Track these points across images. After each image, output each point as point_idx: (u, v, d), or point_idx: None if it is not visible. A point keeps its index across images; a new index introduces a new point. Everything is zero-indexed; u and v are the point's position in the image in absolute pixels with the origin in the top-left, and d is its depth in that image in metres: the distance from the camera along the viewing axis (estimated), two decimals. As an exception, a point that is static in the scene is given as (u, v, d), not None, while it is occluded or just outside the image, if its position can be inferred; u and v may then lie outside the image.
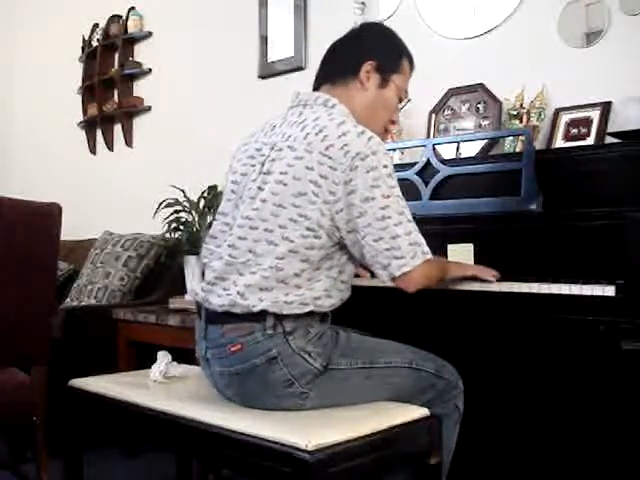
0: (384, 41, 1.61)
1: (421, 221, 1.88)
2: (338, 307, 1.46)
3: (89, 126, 4.15)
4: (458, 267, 1.65)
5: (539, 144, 2.21)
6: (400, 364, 1.48)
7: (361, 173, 1.36)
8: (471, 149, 2.36)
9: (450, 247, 1.79)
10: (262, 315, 1.36)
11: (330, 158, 1.37)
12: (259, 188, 1.43)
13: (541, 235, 1.66)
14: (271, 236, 1.39)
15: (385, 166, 1.39)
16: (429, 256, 1.41)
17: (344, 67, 1.56)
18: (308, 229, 1.37)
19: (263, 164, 1.46)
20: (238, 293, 1.38)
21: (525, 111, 2.23)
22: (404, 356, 1.49)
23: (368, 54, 1.56)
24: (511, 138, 2.24)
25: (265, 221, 1.40)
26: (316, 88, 1.59)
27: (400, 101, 1.64)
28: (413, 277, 1.40)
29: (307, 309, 1.37)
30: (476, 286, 1.62)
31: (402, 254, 1.37)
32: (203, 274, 1.55)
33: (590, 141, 2.09)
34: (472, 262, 1.76)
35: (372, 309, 1.88)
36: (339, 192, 1.36)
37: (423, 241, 1.41)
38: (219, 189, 2.52)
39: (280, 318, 1.36)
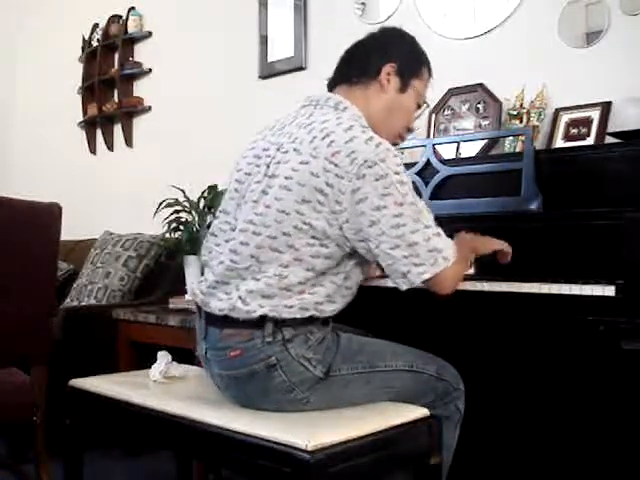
0: (406, 45, 1.59)
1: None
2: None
3: (89, 126, 4.15)
4: (482, 244, 1.57)
5: (539, 144, 2.20)
6: (401, 367, 1.47)
7: (370, 181, 1.31)
8: (471, 149, 2.36)
9: (450, 247, 1.78)
10: (261, 321, 1.34)
11: (336, 165, 1.32)
12: (263, 192, 1.40)
13: (541, 235, 1.66)
14: (274, 243, 1.35)
15: (396, 172, 1.33)
16: (450, 261, 1.35)
17: (364, 68, 1.52)
18: (314, 237, 1.34)
19: (268, 166, 1.41)
20: (240, 298, 1.36)
21: (525, 111, 2.22)
22: (405, 359, 1.48)
23: (390, 57, 1.53)
24: (511, 138, 2.24)
25: (268, 227, 1.36)
26: (332, 88, 1.56)
27: (419, 107, 1.61)
28: (445, 280, 1.36)
29: (308, 314, 1.35)
30: (477, 286, 1.62)
31: (421, 261, 1.32)
32: (202, 271, 1.54)
33: (590, 141, 2.09)
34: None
35: (374, 309, 1.87)
36: (345, 202, 1.32)
37: (443, 246, 1.35)
38: (219, 189, 2.52)
39: (280, 325, 1.34)
